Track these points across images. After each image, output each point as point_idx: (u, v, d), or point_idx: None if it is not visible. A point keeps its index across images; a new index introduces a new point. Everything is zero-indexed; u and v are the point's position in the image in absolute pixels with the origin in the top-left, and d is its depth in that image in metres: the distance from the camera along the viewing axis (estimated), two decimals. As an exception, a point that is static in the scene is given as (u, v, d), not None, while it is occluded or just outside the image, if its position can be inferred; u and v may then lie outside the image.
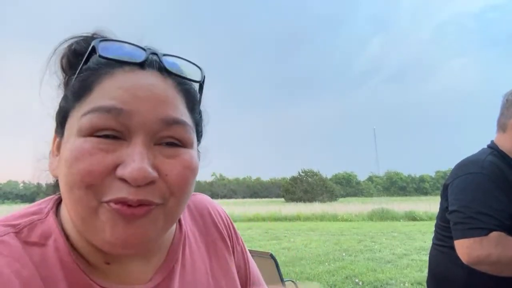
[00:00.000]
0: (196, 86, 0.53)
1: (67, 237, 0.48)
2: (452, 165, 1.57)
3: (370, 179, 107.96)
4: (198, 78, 0.52)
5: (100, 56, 0.46)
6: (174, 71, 0.49)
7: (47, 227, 0.48)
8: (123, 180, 0.42)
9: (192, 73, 0.51)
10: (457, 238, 1.33)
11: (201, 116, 0.55)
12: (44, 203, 0.52)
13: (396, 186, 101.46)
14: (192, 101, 0.51)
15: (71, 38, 0.53)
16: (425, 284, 6.25)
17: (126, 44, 0.48)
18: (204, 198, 0.70)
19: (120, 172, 0.42)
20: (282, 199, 57.68)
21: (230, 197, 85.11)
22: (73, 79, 0.49)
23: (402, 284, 5.93)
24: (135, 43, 0.49)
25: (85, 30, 0.55)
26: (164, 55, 0.49)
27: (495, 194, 1.33)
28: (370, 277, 6.42)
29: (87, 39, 0.53)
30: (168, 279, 0.53)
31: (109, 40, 0.48)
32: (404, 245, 9.87)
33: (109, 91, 0.45)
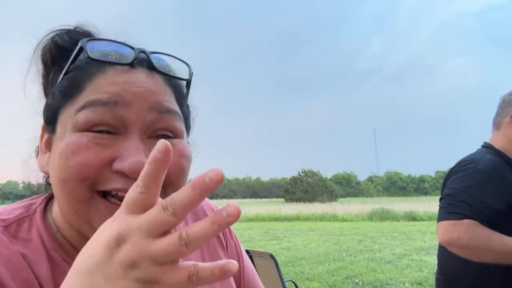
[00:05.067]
0: (184, 81, 0.55)
1: (57, 230, 0.50)
2: (452, 165, 1.61)
3: (370, 179, 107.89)
4: (186, 75, 0.53)
5: (90, 58, 0.46)
6: (162, 68, 0.50)
7: (35, 223, 0.50)
8: (120, 173, 0.43)
9: (180, 69, 0.53)
10: (438, 221, 1.45)
11: (189, 110, 0.57)
12: (35, 199, 0.54)
13: (396, 186, 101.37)
14: (180, 96, 0.53)
15: (53, 32, 0.53)
16: (424, 284, 6.25)
17: (114, 43, 0.48)
18: None
19: (118, 165, 0.43)
20: (282, 199, 57.61)
21: (230, 197, 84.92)
22: (60, 77, 0.49)
23: (402, 284, 5.93)
24: (122, 41, 0.49)
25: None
26: (152, 52, 0.50)
27: (482, 187, 1.41)
28: (370, 277, 6.42)
29: (70, 33, 0.53)
30: None
31: (96, 40, 0.48)
32: (404, 245, 9.87)
33: (102, 87, 0.46)
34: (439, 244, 1.65)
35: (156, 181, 0.31)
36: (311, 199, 48.42)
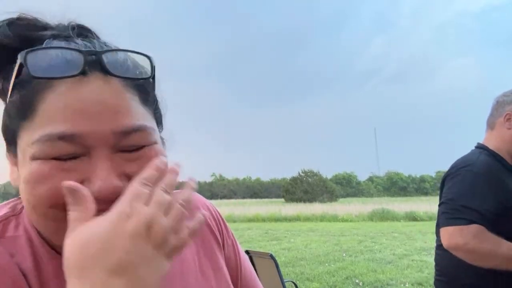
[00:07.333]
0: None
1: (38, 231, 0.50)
2: (451, 166, 1.61)
3: (370, 179, 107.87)
4: (147, 68, 0.47)
5: (33, 77, 0.41)
6: (118, 71, 0.43)
7: (21, 221, 0.50)
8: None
9: (140, 61, 0.47)
10: (442, 226, 1.46)
11: (159, 109, 0.52)
12: (19, 199, 0.53)
13: (397, 186, 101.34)
14: (145, 95, 0.47)
15: None
16: (425, 284, 6.23)
17: (59, 49, 0.42)
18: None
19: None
20: (282, 200, 57.59)
21: (230, 198, 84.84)
22: (10, 90, 0.44)
23: (402, 285, 5.93)
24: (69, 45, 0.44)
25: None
26: (104, 52, 0.43)
27: (481, 191, 1.43)
28: (370, 278, 6.42)
29: (12, 26, 0.46)
30: None
31: (37, 49, 0.42)
32: (405, 245, 9.87)
33: (55, 112, 0.41)
34: (436, 246, 1.66)
35: (158, 183, 0.41)
36: (311, 199, 48.42)
